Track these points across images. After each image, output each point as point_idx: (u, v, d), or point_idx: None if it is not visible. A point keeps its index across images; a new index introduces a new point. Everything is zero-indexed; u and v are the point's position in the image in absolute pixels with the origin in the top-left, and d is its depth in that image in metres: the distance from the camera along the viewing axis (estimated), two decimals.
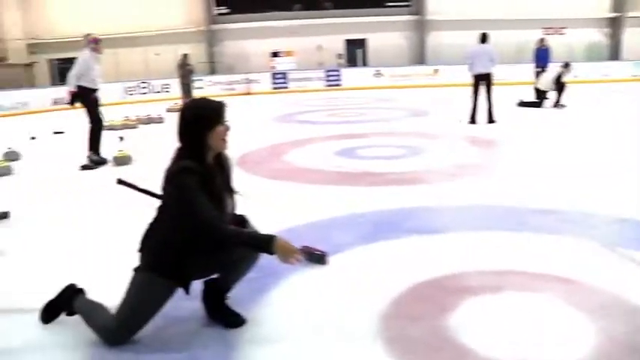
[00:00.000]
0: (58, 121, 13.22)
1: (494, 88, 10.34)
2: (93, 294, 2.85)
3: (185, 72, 15.70)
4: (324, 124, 11.32)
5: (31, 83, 24.34)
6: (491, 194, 5.05)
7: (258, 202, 4.32)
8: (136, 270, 2.55)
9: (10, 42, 25.57)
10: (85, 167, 7.42)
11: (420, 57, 26.13)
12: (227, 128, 2.52)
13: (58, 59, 25.24)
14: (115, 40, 23.80)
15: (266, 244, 2.35)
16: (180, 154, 2.48)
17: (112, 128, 10.03)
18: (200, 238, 2.42)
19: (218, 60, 26.17)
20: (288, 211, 4.70)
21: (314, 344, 2.54)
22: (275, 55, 25.52)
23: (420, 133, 9.31)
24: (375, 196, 5.13)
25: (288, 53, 25.40)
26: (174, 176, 2.42)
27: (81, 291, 2.84)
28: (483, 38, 10.49)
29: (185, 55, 15.98)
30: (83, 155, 7.65)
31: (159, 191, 2.57)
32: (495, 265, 3.35)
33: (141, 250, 2.56)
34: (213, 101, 2.54)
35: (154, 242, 2.52)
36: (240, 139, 9.19)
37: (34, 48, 26.39)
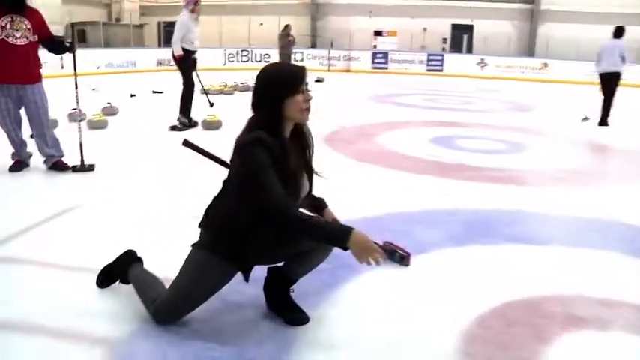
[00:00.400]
0: (159, 81, 13.51)
1: (618, 89, 9.21)
2: (154, 259, 2.68)
3: (286, 43, 15.53)
4: (422, 109, 10.79)
5: (140, 43, 25.22)
6: (602, 206, 4.39)
7: (340, 184, 4.00)
8: (194, 246, 2.30)
9: (125, 3, 26.74)
10: (173, 128, 7.41)
11: (528, 48, 24.67)
12: (308, 97, 2.19)
13: (165, 22, 26.00)
14: (221, 7, 24.23)
15: (341, 236, 2.01)
16: (252, 124, 2.18)
17: (207, 92, 10.04)
18: (266, 220, 2.13)
19: (320, 34, 25.96)
20: (371, 198, 4.36)
21: (385, 357, 2.19)
22: (378, 33, 24.92)
23: (524, 128, 8.60)
24: (469, 193, 4.66)
25: (392, 33, 24.70)
26: (242, 148, 2.13)
27: (139, 259, 2.66)
28: (618, 32, 9.29)
29: (287, 26, 15.80)
30: (175, 116, 7.65)
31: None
32: (604, 292, 2.81)
33: (202, 225, 2.32)
34: (293, 65, 2.25)
35: (216, 219, 2.26)
36: (332, 116, 8.96)
37: (145, 10, 27.42)
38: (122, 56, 19.91)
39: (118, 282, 2.62)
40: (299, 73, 2.17)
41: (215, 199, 2.32)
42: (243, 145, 2.12)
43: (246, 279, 2.28)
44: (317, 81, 16.64)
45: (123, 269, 2.58)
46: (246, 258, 2.24)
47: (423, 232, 3.55)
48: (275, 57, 19.04)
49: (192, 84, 7.67)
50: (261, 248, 2.22)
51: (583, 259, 3.27)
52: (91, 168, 5.03)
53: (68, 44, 4.91)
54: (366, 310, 2.56)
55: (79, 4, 23.80)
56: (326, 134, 7.07)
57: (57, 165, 4.98)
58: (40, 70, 4.87)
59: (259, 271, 2.40)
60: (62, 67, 18.33)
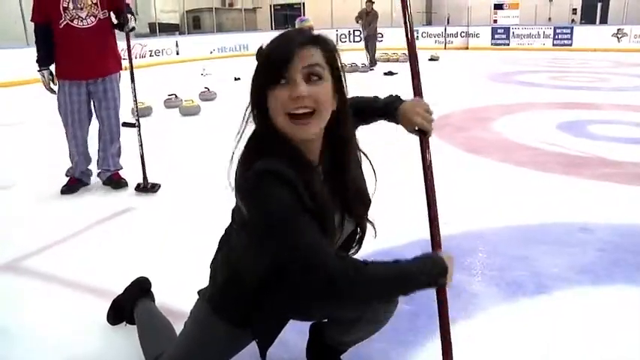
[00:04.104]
0: None
1: None
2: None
3: (366, 21, 13.55)
4: (548, 89, 9.47)
5: (252, 27, 25.30)
6: None
7: (440, 184, 3.18)
8: (200, 295, 1.65)
9: None
10: None
11: None
12: (296, 92, 1.23)
13: (277, 5, 25.88)
14: None
15: (433, 271, 1.31)
16: (250, 147, 1.33)
17: None
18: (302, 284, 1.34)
19: (435, 10, 24.58)
20: (478, 204, 3.52)
21: None
22: (498, 7, 23.06)
23: None
24: (608, 199, 3.62)
25: (513, 6, 22.74)
26: (247, 191, 1.28)
27: (148, 292, 2.11)
28: None
29: (368, 2, 13.72)
30: None
31: None
32: None
33: (211, 265, 1.63)
34: (286, 33, 1.31)
35: (221, 270, 1.55)
36: (442, 97, 8.05)
37: None
38: (234, 40, 20.19)
39: (125, 323, 2.09)
40: (284, 45, 1.26)
41: (226, 232, 1.61)
42: (246, 187, 1.27)
43: (262, 355, 1.54)
44: (431, 60, 15.66)
45: (130, 305, 2.04)
46: (259, 328, 1.52)
47: (545, 259, 2.65)
48: (389, 36, 18.22)
49: None
50: (278, 317, 1.54)
51: None
52: (153, 189, 3.95)
53: (123, 20, 3.83)
54: None
55: None
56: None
57: (113, 180, 4.04)
58: (119, 56, 3.97)
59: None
60: (177, 54, 18.97)
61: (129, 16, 3.81)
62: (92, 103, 3.89)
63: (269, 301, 1.47)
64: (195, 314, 1.62)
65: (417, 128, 1.48)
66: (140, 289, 2.10)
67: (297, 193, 1.24)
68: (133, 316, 2.00)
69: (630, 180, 4.01)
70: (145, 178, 3.96)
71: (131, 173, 4.07)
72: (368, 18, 13.50)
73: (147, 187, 3.94)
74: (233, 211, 1.50)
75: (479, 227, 3.08)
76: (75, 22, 3.65)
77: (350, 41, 22.06)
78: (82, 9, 3.65)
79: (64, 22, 3.63)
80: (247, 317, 1.50)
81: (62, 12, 3.61)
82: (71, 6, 3.62)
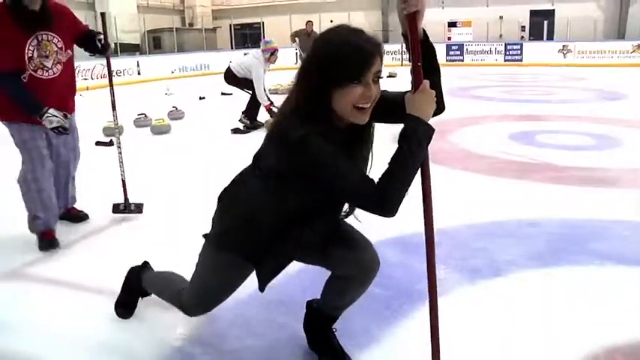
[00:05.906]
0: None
1: None
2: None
3: (307, 43, 13.10)
4: (501, 102, 10.08)
5: (213, 47, 25.55)
6: None
7: (411, 193, 3.54)
8: (206, 239, 1.92)
9: (198, 8, 27.33)
10: (235, 131, 7.22)
11: (617, 31, 22.87)
12: (369, 92, 1.53)
13: (237, 25, 26.24)
14: (290, 6, 24.17)
15: (424, 134, 1.62)
16: (298, 111, 1.56)
17: (276, 92, 9.89)
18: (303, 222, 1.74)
19: (392, 28, 25.33)
20: (440, 206, 3.87)
21: None
22: (452, 25, 23.98)
23: (616, 119, 7.74)
24: (554, 198, 4.08)
25: (466, 24, 23.70)
26: (295, 145, 1.50)
27: (145, 266, 2.41)
28: None
29: (308, 22, 14.21)
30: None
31: None
32: None
33: (218, 203, 1.88)
34: (364, 40, 1.52)
35: (233, 215, 1.81)
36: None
37: (217, 14, 27.84)
38: (195, 60, 20.29)
39: (140, 298, 2.38)
40: (364, 54, 1.50)
41: (236, 183, 1.86)
42: (295, 141, 1.50)
43: (262, 288, 1.86)
44: (389, 76, 16.12)
45: (136, 284, 2.34)
46: (265, 266, 1.84)
47: (499, 249, 3.05)
48: None
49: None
50: (286, 255, 1.88)
51: None
52: (138, 209, 3.90)
53: (100, 44, 3.51)
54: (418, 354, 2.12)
55: (153, 12, 24.55)
56: (396, 132, 6.61)
57: (71, 214, 3.81)
58: (75, 97, 3.59)
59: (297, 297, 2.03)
60: (139, 74, 19.02)
61: (103, 39, 3.55)
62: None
63: (280, 243, 1.77)
64: (204, 253, 1.92)
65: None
66: (138, 270, 2.37)
67: (335, 148, 1.52)
68: (144, 290, 2.30)
69: (573, 182, 4.49)
70: (126, 199, 3.88)
71: (114, 194, 4.01)
72: (309, 40, 13.15)
73: (130, 209, 3.86)
74: (256, 158, 1.77)
75: (443, 226, 3.37)
76: (39, 72, 3.16)
77: None
78: (47, 57, 3.17)
79: (28, 74, 3.11)
80: (254, 253, 1.80)
81: (27, 62, 3.10)
82: (36, 54, 3.12)
